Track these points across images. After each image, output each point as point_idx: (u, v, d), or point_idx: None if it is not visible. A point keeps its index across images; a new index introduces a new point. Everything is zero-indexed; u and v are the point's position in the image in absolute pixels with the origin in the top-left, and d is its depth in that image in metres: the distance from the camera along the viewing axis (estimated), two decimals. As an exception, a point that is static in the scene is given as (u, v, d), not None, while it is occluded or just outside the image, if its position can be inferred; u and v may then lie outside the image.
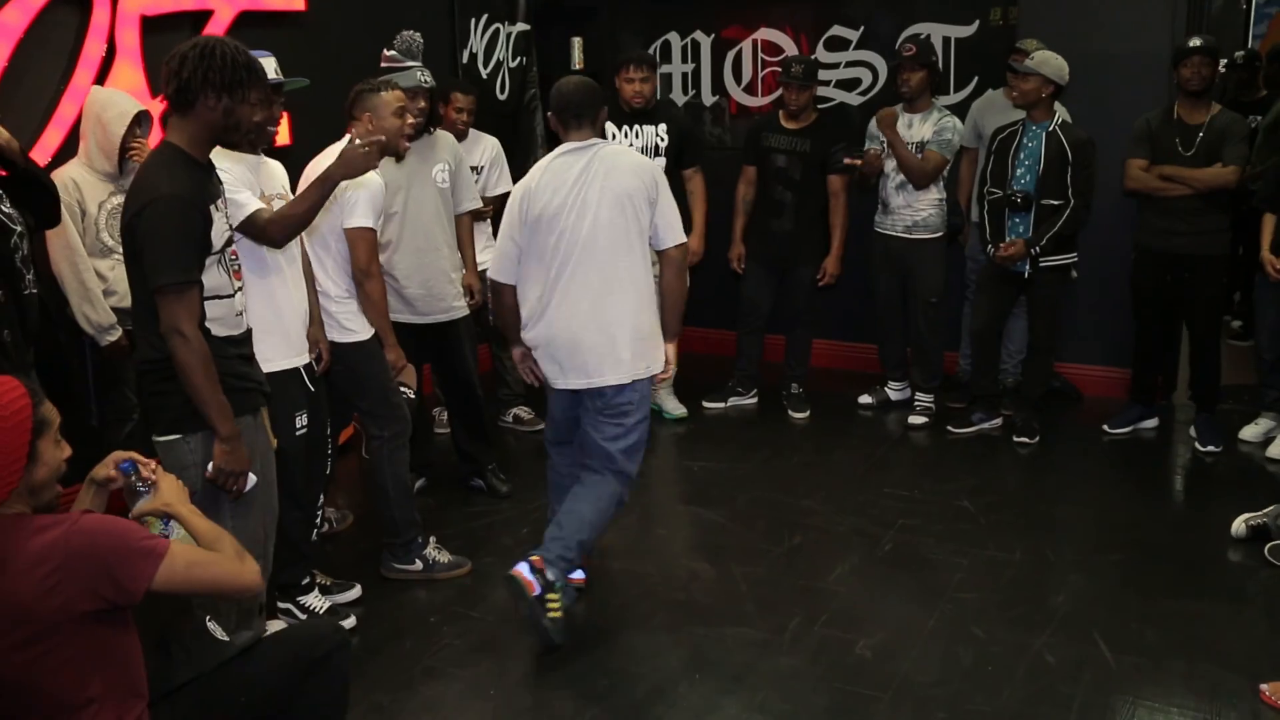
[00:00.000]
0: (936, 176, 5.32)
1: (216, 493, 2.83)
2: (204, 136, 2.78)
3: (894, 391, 5.82)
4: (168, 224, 2.67)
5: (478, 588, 3.93)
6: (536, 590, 3.39)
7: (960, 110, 5.59)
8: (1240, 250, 5.66)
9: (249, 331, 3.03)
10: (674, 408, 5.70)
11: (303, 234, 3.51)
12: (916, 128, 5.30)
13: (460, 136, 5.06)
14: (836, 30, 6.30)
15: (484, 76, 6.12)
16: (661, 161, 5.12)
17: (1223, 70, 6.04)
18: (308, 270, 3.58)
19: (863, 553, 4.14)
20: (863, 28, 6.23)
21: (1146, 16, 5.37)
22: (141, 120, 3.93)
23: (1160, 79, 5.27)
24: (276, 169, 3.43)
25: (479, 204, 4.82)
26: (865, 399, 5.84)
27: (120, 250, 3.81)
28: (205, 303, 2.80)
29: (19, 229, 3.28)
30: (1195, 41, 4.85)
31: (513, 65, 6.36)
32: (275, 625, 3.50)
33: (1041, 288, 5.04)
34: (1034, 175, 4.91)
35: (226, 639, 2.53)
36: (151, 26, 4.30)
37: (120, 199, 3.87)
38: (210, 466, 2.82)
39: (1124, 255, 5.24)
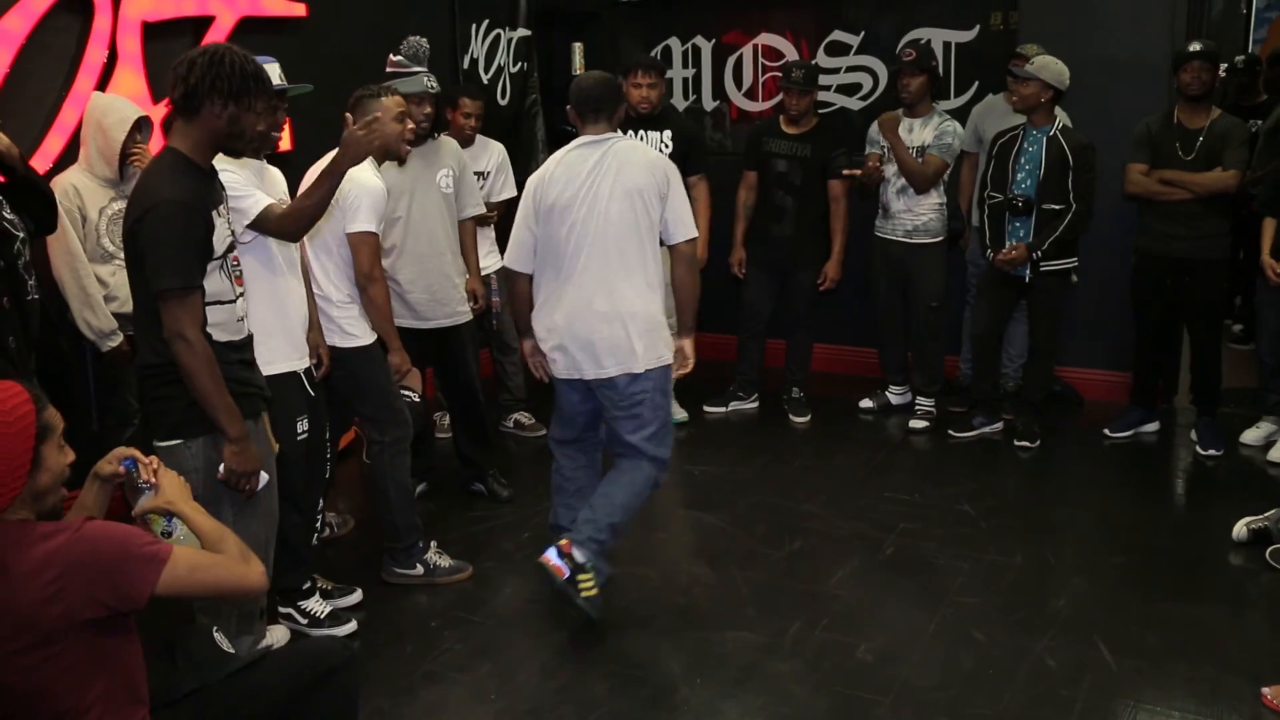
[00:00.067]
0: (937, 181, 5.32)
1: (218, 496, 2.84)
2: (207, 143, 2.78)
3: (895, 396, 5.82)
4: (170, 229, 2.67)
5: (479, 592, 3.93)
6: (566, 574, 3.52)
7: (961, 115, 5.60)
8: (1241, 254, 5.67)
9: (250, 337, 3.03)
10: (675, 412, 5.69)
11: (304, 238, 3.53)
12: (917, 132, 5.31)
13: (468, 141, 5.10)
14: (837, 35, 6.31)
15: (485, 82, 6.12)
16: None
17: (1223, 75, 6.05)
18: (305, 276, 3.59)
19: (864, 557, 4.14)
20: (863, 33, 6.24)
21: (1146, 21, 5.37)
22: (142, 126, 3.94)
23: (1160, 83, 5.27)
24: (276, 175, 3.45)
25: (482, 209, 4.83)
26: (866, 403, 5.84)
27: (121, 256, 3.82)
28: (206, 308, 2.81)
29: (21, 235, 3.29)
30: (1195, 46, 4.86)
31: (514, 70, 6.37)
32: (276, 630, 3.51)
33: (1042, 292, 5.04)
34: (1034, 180, 4.91)
35: (233, 651, 2.54)
36: (153, 32, 4.30)
37: (121, 204, 3.88)
38: (221, 468, 2.84)
39: (1124, 259, 5.24)
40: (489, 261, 5.23)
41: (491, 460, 4.82)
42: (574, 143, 3.69)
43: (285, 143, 4.51)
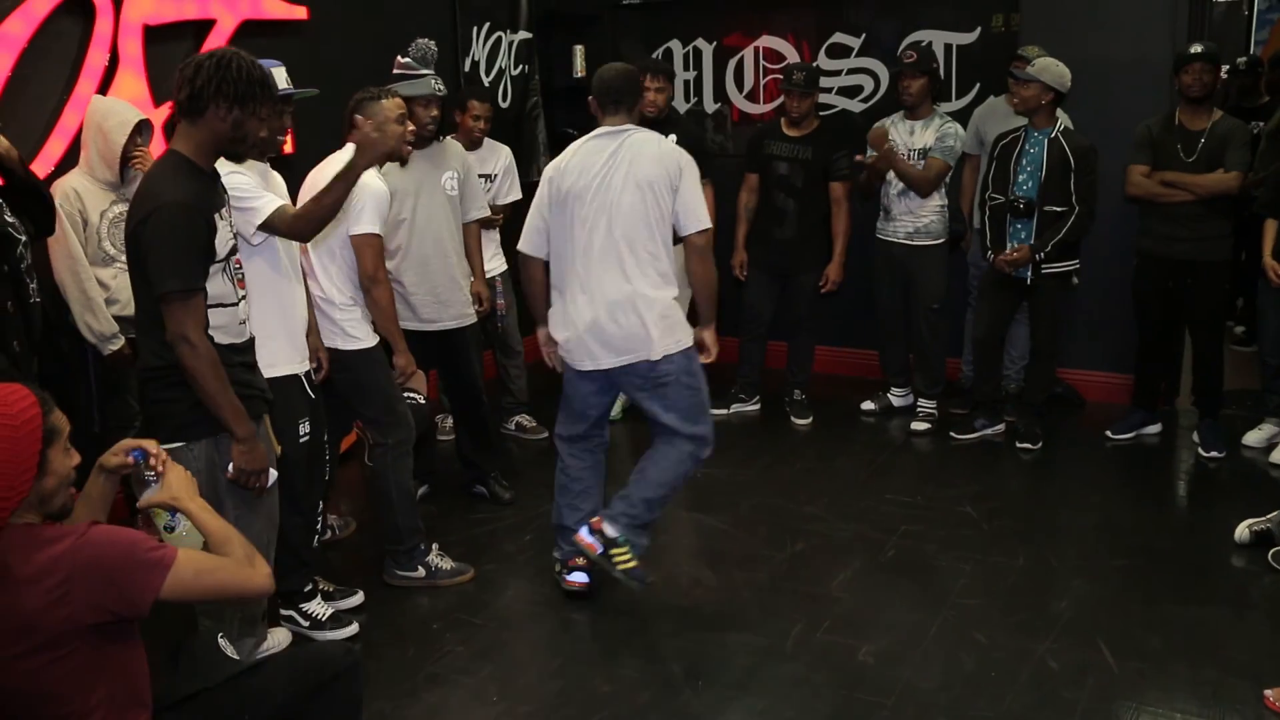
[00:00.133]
0: (939, 184, 5.32)
1: (219, 498, 2.84)
2: (210, 146, 2.79)
3: (896, 398, 5.82)
4: (173, 231, 2.68)
5: (480, 594, 3.93)
6: (598, 550, 3.66)
7: (962, 117, 5.60)
8: (1243, 256, 5.66)
9: (251, 340, 3.04)
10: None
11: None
12: (918, 135, 5.31)
13: (476, 144, 5.13)
14: (838, 37, 6.31)
15: (486, 85, 6.13)
16: None
17: (1224, 76, 6.05)
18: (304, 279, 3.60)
19: (865, 559, 4.14)
20: (864, 35, 6.24)
21: (1148, 23, 5.37)
22: (143, 129, 3.94)
23: (1162, 85, 5.27)
24: (278, 180, 3.45)
25: (487, 212, 4.83)
26: (868, 405, 5.84)
27: (122, 259, 3.83)
28: (209, 310, 2.81)
29: (23, 239, 3.30)
30: (1196, 48, 4.85)
31: (515, 73, 6.37)
32: (277, 632, 3.51)
33: (1043, 294, 5.03)
34: (1036, 182, 4.91)
35: (236, 656, 2.53)
36: (154, 36, 4.31)
37: (122, 208, 3.89)
38: (230, 468, 2.85)
39: (1126, 261, 5.23)
40: (494, 264, 5.24)
41: (493, 462, 4.82)
42: (593, 133, 3.75)
43: (286, 146, 4.52)
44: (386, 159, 3.82)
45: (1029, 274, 4.97)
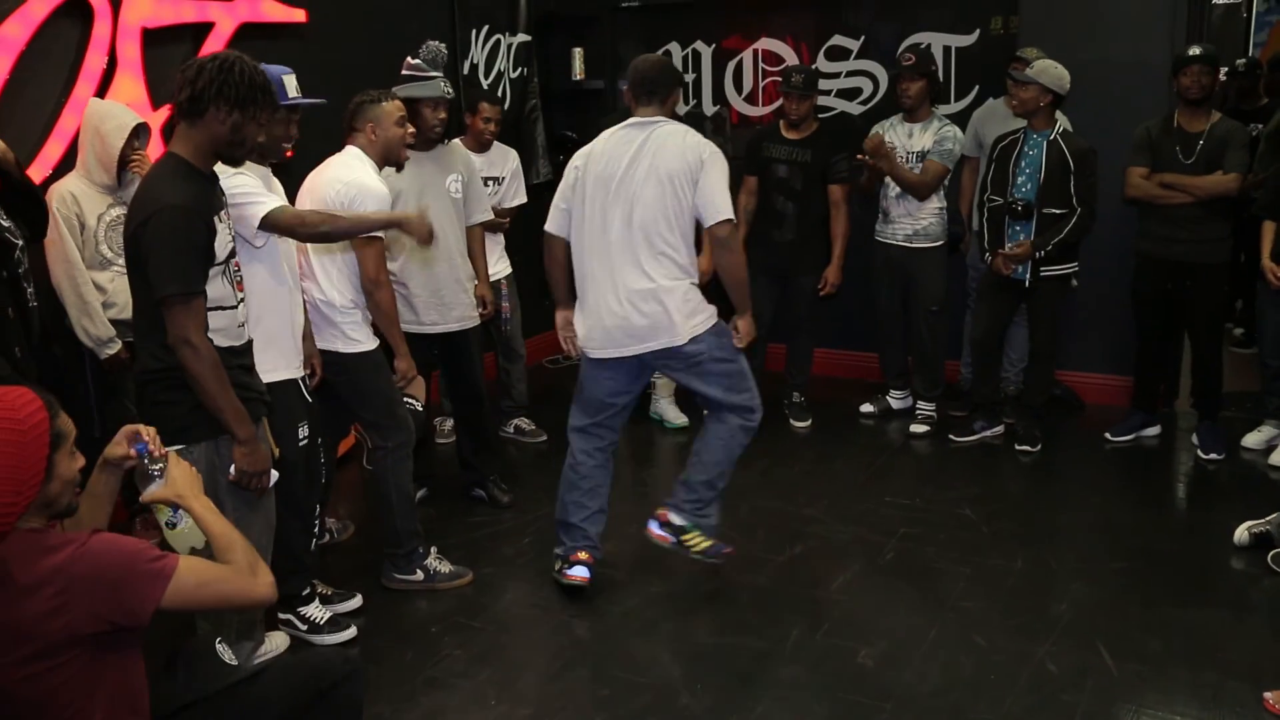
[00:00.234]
0: (938, 187, 5.32)
1: (220, 500, 2.83)
2: (209, 148, 2.79)
3: (895, 400, 5.82)
4: (173, 235, 2.68)
5: (479, 598, 3.92)
6: (671, 540, 3.85)
7: (961, 119, 5.60)
8: (1242, 258, 5.66)
9: (250, 342, 3.04)
10: (675, 417, 5.70)
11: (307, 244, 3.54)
12: (917, 137, 5.31)
13: (485, 146, 5.16)
14: (837, 40, 6.32)
15: (485, 87, 6.13)
16: None
17: (1223, 78, 6.05)
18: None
19: (864, 562, 4.13)
20: (863, 37, 6.25)
21: (1147, 25, 5.37)
22: (140, 132, 3.94)
23: (1160, 87, 5.27)
24: (277, 185, 3.45)
25: (490, 216, 4.82)
26: (867, 408, 5.84)
27: (119, 262, 3.84)
28: (208, 313, 2.81)
29: (20, 243, 3.30)
30: (1195, 50, 4.85)
31: (514, 76, 6.37)
32: (275, 636, 3.50)
33: (1042, 296, 5.03)
34: (1035, 184, 4.91)
35: (235, 662, 2.52)
36: (152, 39, 4.30)
37: (119, 211, 3.88)
38: (232, 470, 2.85)
39: (1125, 263, 5.23)
40: (499, 267, 5.25)
41: (493, 466, 4.82)
42: (624, 123, 3.79)
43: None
44: (384, 163, 3.83)
45: (1028, 276, 4.97)
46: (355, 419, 4.03)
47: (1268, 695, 3.10)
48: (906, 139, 5.32)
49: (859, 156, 5.33)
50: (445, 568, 4.01)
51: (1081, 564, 4.07)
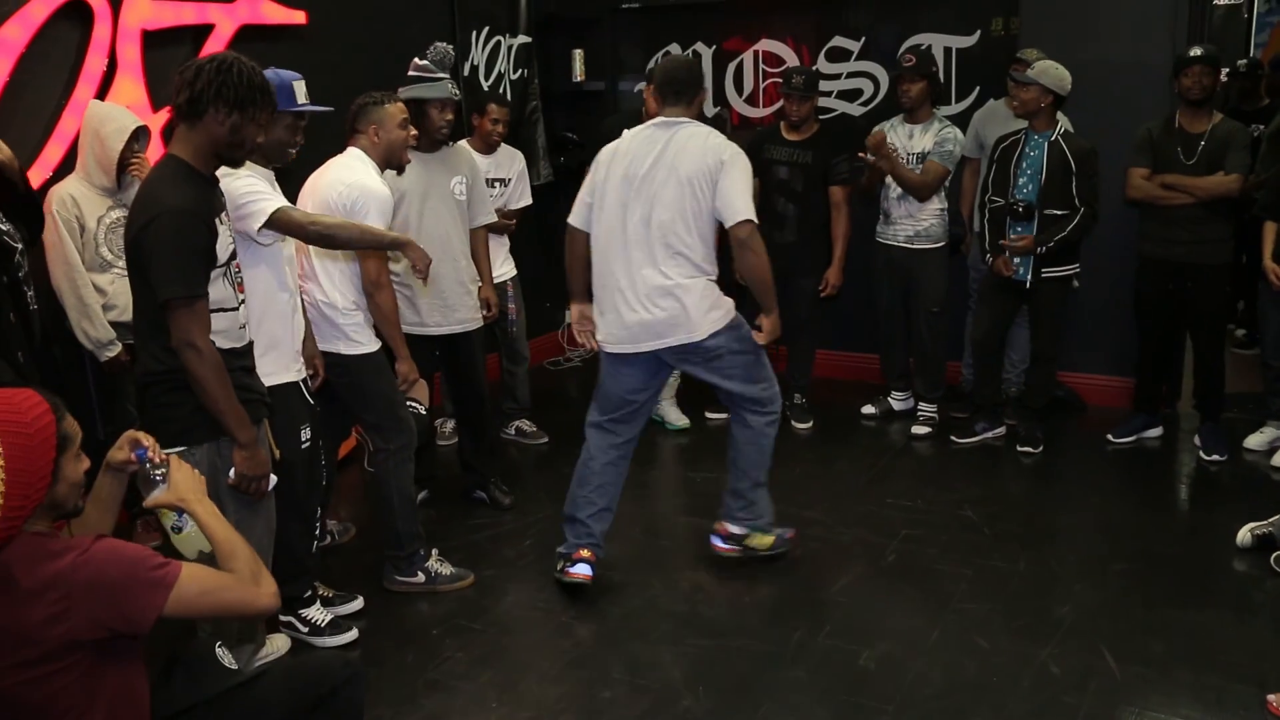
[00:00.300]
0: (938, 188, 5.31)
1: (221, 502, 2.82)
2: (209, 150, 2.78)
3: (897, 402, 5.81)
4: (175, 237, 2.68)
5: (480, 600, 3.91)
6: (737, 550, 4.05)
7: (962, 120, 5.59)
8: (1244, 259, 5.65)
9: (250, 344, 3.04)
10: (676, 418, 5.69)
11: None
12: (917, 138, 5.30)
13: (492, 148, 5.17)
14: (838, 41, 6.31)
15: (486, 89, 6.13)
16: None
17: (1224, 79, 6.04)
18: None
19: (866, 563, 4.13)
20: (864, 38, 6.24)
21: (1147, 26, 5.36)
22: (140, 135, 3.93)
23: (1161, 88, 5.26)
24: (277, 189, 3.44)
25: (494, 218, 4.81)
26: (868, 409, 5.83)
27: (119, 264, 3.84)
28: (210, 315, 2.80)
29: (19, 247, 3.30)
30: (1196, 51, 4.85)
31: (514, 77, 6.37)
32: (276, 638, 3.50)
33: (1043, 297, 5.02)
34: (1036, 185, 4.90)
35: (234, 666, 2.52)
36: (153, 41, 4.30)
37: (119, 213, 3.88)
38: (232, 473, 2.85)
39: (1126, 264, 5.23)
40: (505, 269, 5.25)
41: (494, 468, 4.81)
42: (649, 122, 3.85)
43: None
44: (386, 165, 3.83)
45: (1029, 277, 4.96)
46: (357, 421, 4.02)
47: (1271, 698, 3.09)
48: (907, 140, 5.32)
49: (860, 155, 5.33)
50: (446, 570, 4.00)
51: (1083, 566, 4.06)
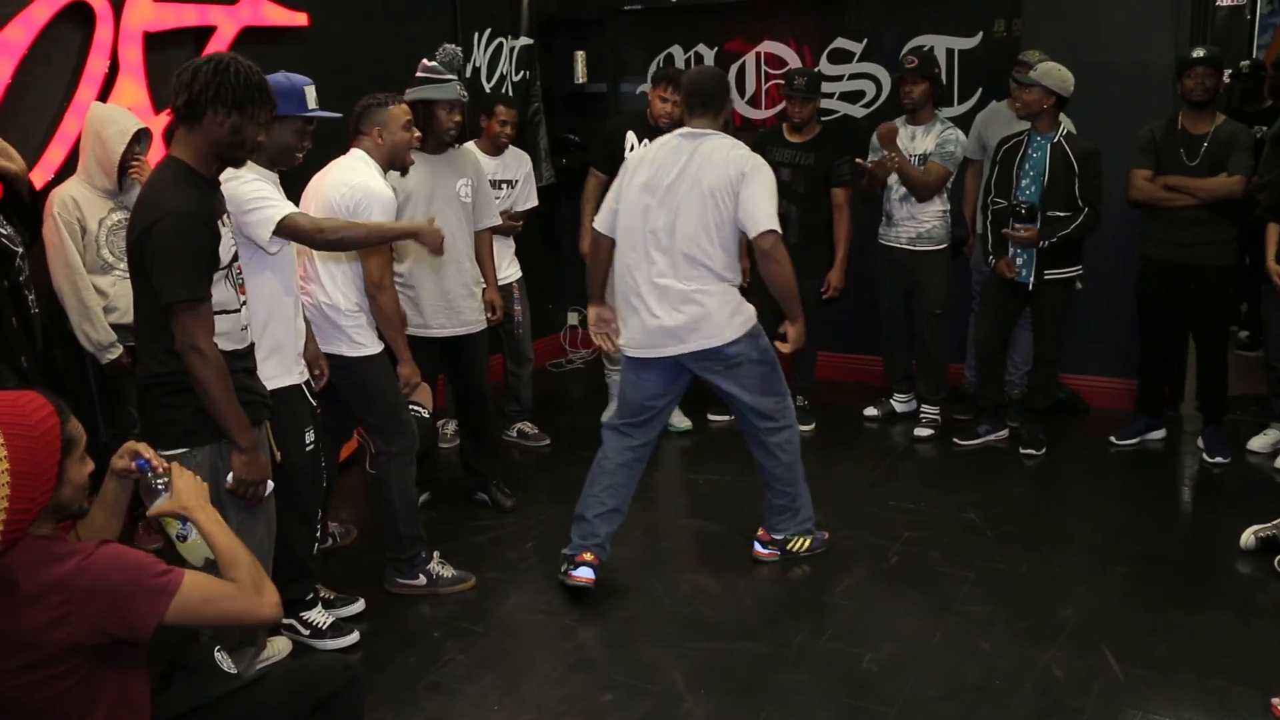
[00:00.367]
0: (939, 189, 5.31)
1: (222, 506, 2.82)
2: (209, 151, 2.78)
3: (899, 404, 5.80)
4: (178, 241, 2.67)
5: (482, 602, 3.91)
6: (779, 554, 4.11)
7: (964, 122, 5.59)
8: (1247, 260, 5.64)
9: (252, 345, 3.03)
10: (678, 421, 5.68)
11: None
12: (919, 140, 5.30)
13: (500, 150, 5.18)
14: (840, 43, 6.30)
15: (488, 91, 6.13)
16: None
17: (1227, 80, 6.03)
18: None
19: (869, 566, 4.12)
20: (866, 40, 6.23)
21: (1150, 27, 5.36)
22: (141, 138, 3.93)
23: (1164, 90, 5.26)
24: (281, 192, 3.44)
25: (499, 221, 4.82)
26: (870, 411, 5.82)
27: (120, 267, 3.84)
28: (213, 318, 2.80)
29: (20, 250, 3.30)
30: (1199, 52, 4.84)
31: (516, 79, 6.37)
32: (277, 641, 3.49)
33: (1046, 299, 5.02)
34: (1039, 186, 4.89)
35: (234, 671, 2.51)
36: (154, 43, 4.30)
37: (120, 215, 3.88)
38: (230, 478, 2.84)
39: (1129, 266, 5.22)
40: (510, 271, 5.25)
41: (496, 470, 4.81)
42: (677, 131, 3.90)
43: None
44: (390, 166, 3.83)
45: (1031, 279, 4.96)
46: (359, 423, 4.02)
47: (1275, 701, 3.08)
48: (909, 141, 5.31)
49: (858, 160, 5.32)
50: (448, 572, 4.00)
51: (1086, 568, 4.05)
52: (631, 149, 5.25)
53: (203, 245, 2.73)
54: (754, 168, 3.74)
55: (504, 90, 6.27)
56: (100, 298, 3.88)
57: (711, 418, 5.80)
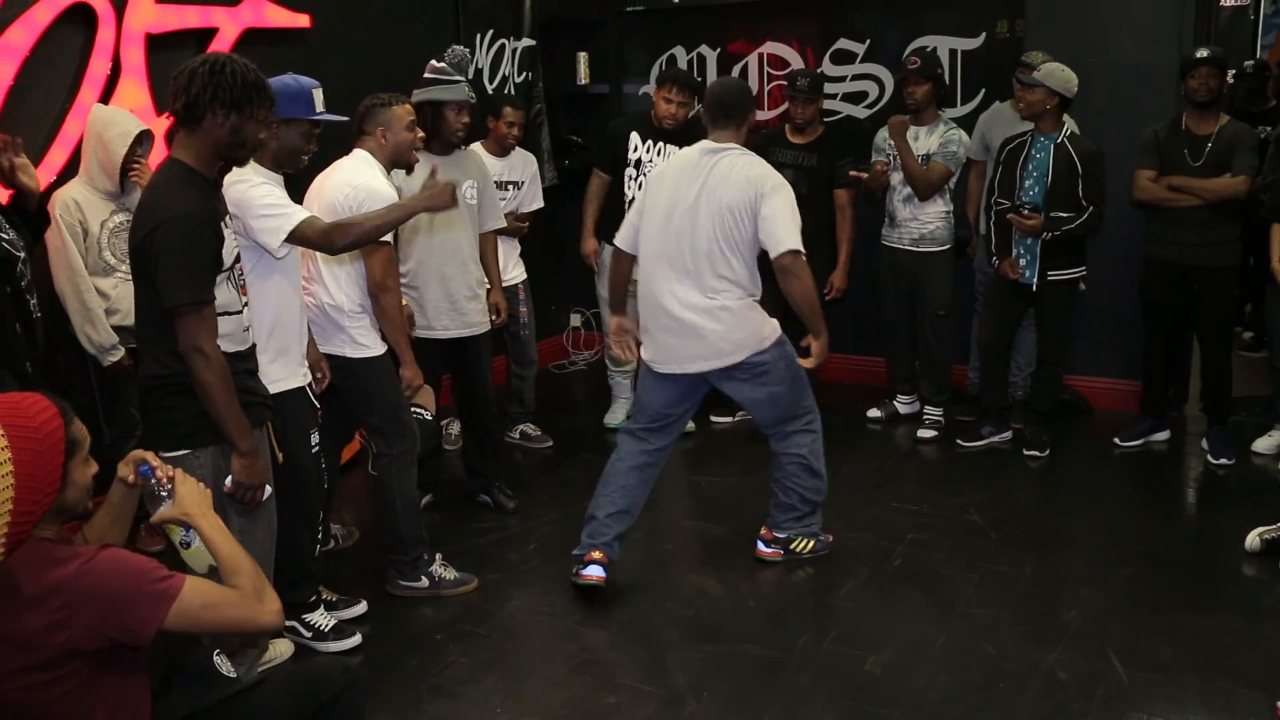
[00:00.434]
0: (940, 188, 5.30)
1: (224, 509, 2.82)
2: (210, 153, 2.78)
3: (903, 405, 5.79)
4: (182, 243, 2.67)
5: (484, 605, 3.90)
6: (781, 554, 4.10)
7: (967, 122, 5.58)
8: (1251, 261, 5.63)
9: (253, 347, 3.03)
10: (681, 422, 5.67)
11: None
12: (922, 140, 5.29)
13: (507, 151, 5.18)
14: (843, 43, 6.29)
15: (490, 92, 6.12)
16: None
17: (1231, 80, 6.02)
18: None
19: (872, 568, 4.11)
20: (869, 41, 6.22)
21: (1154, 28, 5.35)
22: (143, 140, 3.94)
23: (1168, 90, 5.25)
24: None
25: (504, 223, 4.82)
26: (874, 413, 5.81)
27: (122, 268, 3.84)
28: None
29: (22, 255, 3.29)
30: (1202, 53, 4.83)
31: (518, 80, 6.37)
32: (279, 643, 3.49)
33: (1049, 300, 5.01)
34: (1042, 187, 4.88)
35: (233, 675, 2.51)
36: (156, 44, 4.30)
37: (122, 217, 3.88)
38: (229, 480, 2.84)
39: (1133, 267, 5.21)
40: (515, 272, 5.25)
41: (498, 472, 4.80)
42: (698, 145, 3.89)
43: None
44: (393, 166, 3.82)
45: (1035, 280, 4.95)
46: (361, 424, 4.01)
47: (1280, 703, 3.07)
48: (912, 141, 5.30)
49: (854, 174, 5.31)
50: (450, 574, 3.99)
51: (1091, 570, 4.04)
52: (634, 150, 5.27)
53: (206, 248, 2.73)
54: (774, 187, 3.74)
55: (507, 91, 6.27)
56: (102, 300, 3.88)
57: (715, 420, 5.79)
